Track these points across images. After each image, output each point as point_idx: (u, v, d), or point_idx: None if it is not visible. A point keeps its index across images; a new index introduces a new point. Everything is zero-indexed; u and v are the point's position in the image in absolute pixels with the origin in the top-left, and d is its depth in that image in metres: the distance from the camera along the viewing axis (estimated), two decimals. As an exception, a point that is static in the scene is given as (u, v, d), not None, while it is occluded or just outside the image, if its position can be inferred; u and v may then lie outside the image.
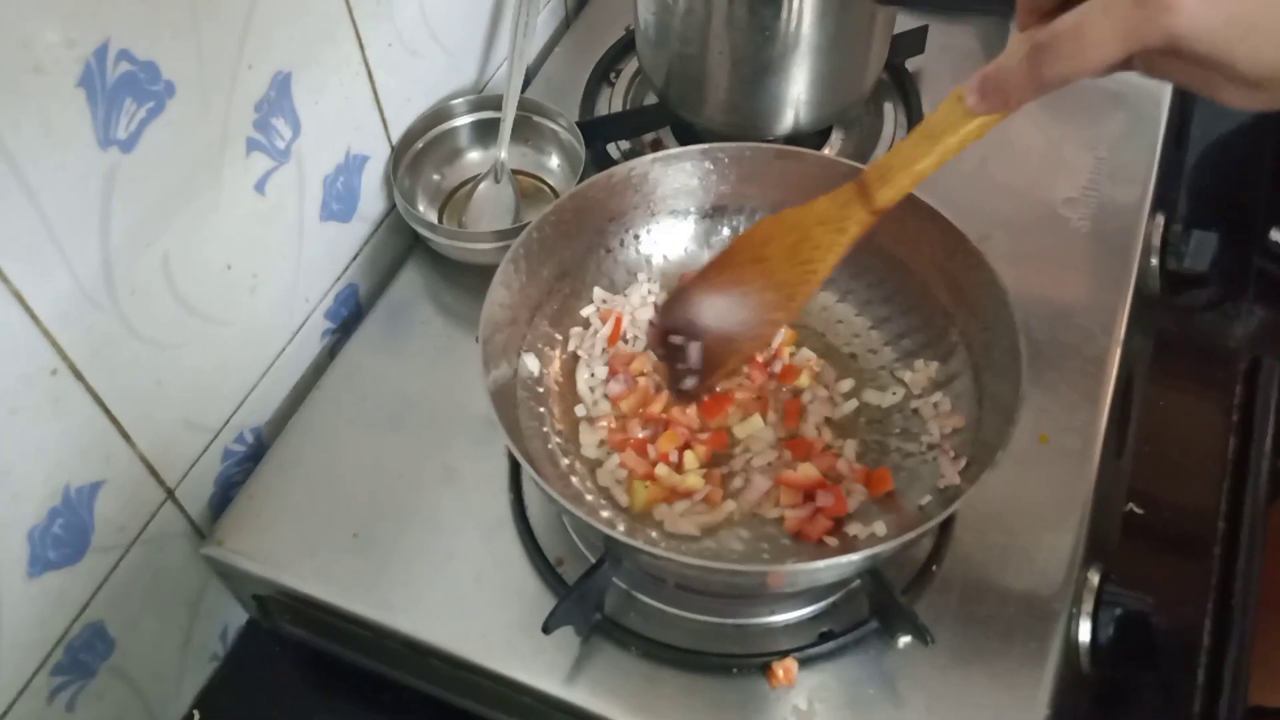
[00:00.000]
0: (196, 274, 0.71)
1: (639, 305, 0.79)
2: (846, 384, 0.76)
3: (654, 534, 0.69)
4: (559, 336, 0.76)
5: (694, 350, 0.70)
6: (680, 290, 0.72)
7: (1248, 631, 0.90)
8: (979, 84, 0.53)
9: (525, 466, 0.61)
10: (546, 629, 0.64)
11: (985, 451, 0.66)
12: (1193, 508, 0.99)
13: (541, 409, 0.72)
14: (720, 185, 0.78)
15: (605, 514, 0.68)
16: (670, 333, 0.71)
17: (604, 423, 0.74)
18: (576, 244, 0.77)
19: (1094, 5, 0.46)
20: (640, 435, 0.73)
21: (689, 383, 0.71)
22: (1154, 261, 0.91)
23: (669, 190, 0.78)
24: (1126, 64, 0.49)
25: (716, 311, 0.69)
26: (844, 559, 0.57)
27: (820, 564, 0.58)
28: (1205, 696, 0.87)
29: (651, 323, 0.76)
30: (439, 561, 0.73)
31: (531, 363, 0.73)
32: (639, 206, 0.78)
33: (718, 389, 0.74)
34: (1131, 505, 0.94)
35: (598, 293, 0.79)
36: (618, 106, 1.01)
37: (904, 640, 0.68)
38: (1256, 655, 0.89)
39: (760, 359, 0.76)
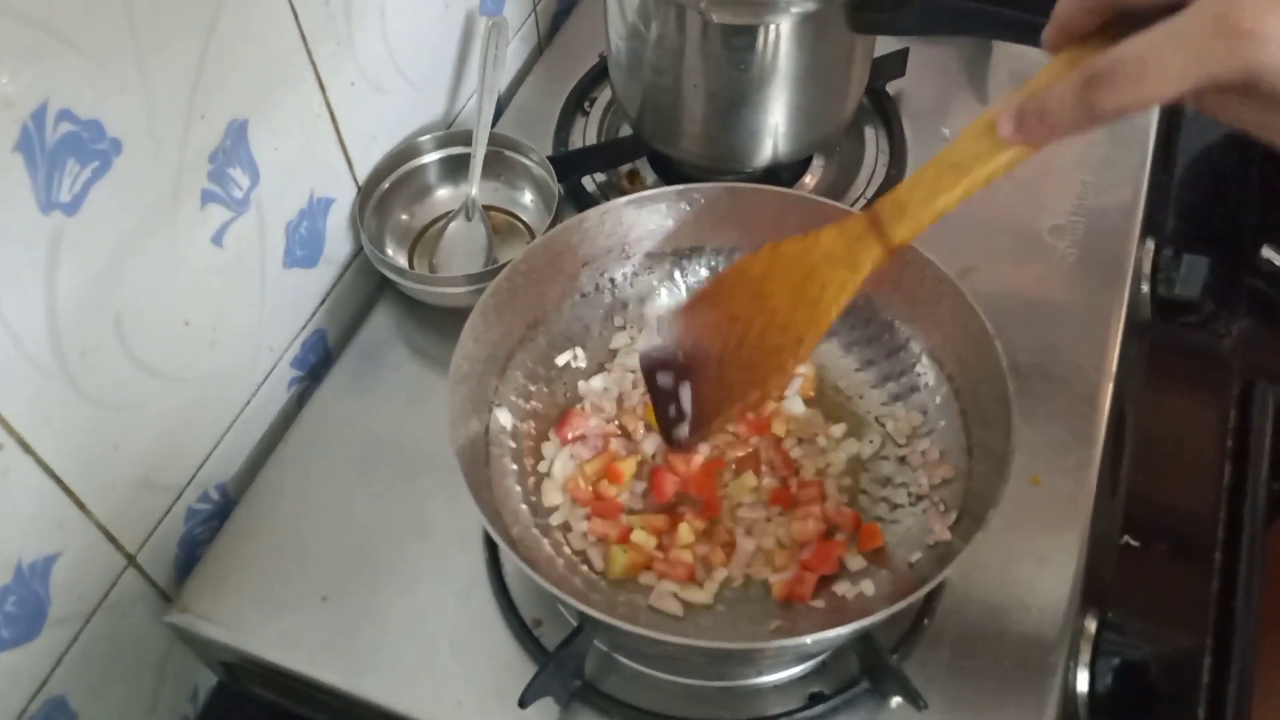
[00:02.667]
0: (152, 332, 0.68)
1: (628, 354, 0.77)
2: (838, 429, 0.73)
3: (634, 601, 0.66)
4: (533, 388, 0.73)
5: (684, 393, 0.64)
6: (669, 321, 0.66)
7: (1249, 663, 0.88)
8: (1016, 112, 0.48)
9: (494, 535, 0.58)
10: (523, 703, 0.62)
11: (976, 503, 0.64)
12: (1189, 537, 0.96)
13: (514, 465, 0.70)
14: (697, 225, 0.76)
15: (579, 580, 0.66)
16: (657, 368, 0.66)
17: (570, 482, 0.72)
18: (549, 291, 0.74)
19: (1163, 31, 0.42)
20: (615, 495, 0.70)
21: (681, 431, 0.65)
22: (1144, 288, 0.89)
23: (644, 232, 0.75)
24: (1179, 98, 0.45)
25: (709, 350, 0.63)
26: (831, 633, 0.55)
27: (808, 639, 0.55)
28: (1207, 733, 0.85)
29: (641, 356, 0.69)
30: (411, 624, 0.70)
31: (504, 416, 0.70)
32: (613, 250, 0.75)
33: (706, 452, 0.72)
34: (1127, 538, 0.92)
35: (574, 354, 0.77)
36: (592, 137, 0.99)
37: (896, 700, 0.66)
38: (1260, 685, 0.87)
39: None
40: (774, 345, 0.60)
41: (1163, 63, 0.42)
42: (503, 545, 0.58)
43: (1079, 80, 0.45)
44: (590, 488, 0.71)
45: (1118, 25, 0.45)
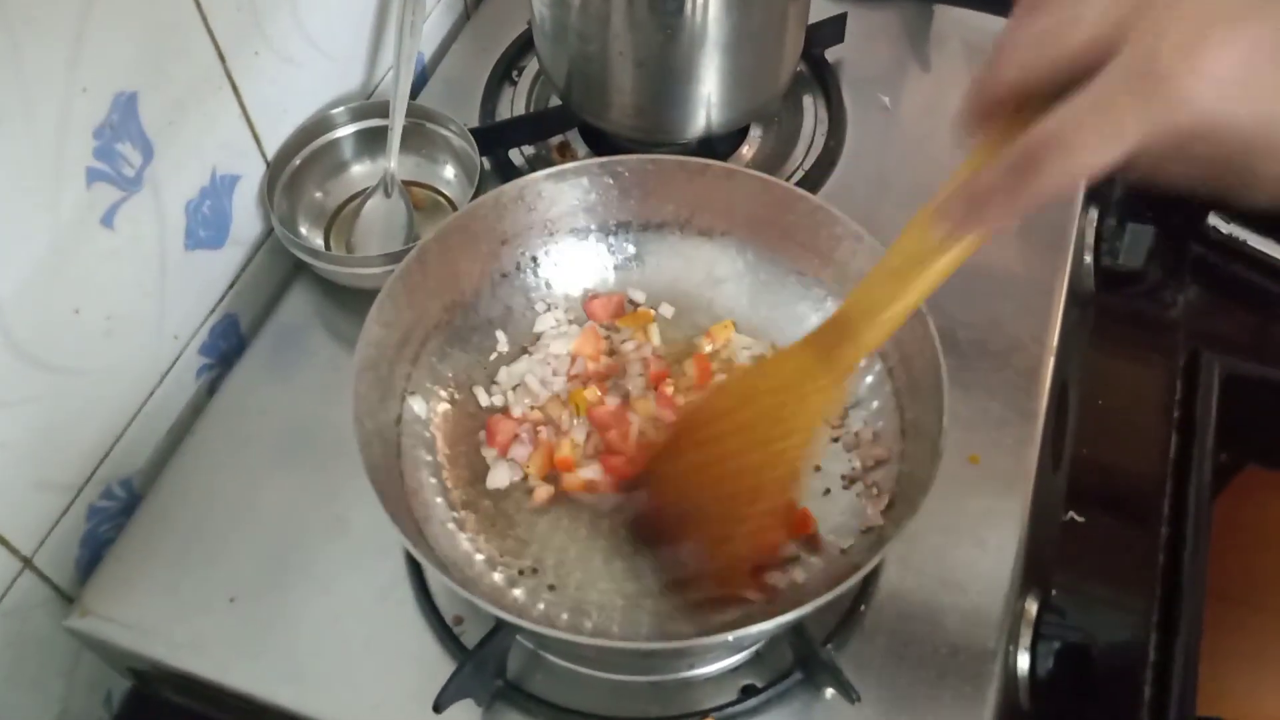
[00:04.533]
0: (37, 323, 0.63)
1: (554, 337, 0.73)
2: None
3: (559, 596, 0.62)
4: (450, 374, 0.70)
5: (687, 555, 0.61)
6: (634, 496, 0.63)
7: (1194, 638, 0.87)
8: (946, 209, 0.45)
9: (403, 537, 0.54)
10: (438, 708, 0.59)
11: (910, 486, 0.62)
12: (1135, 511, 0.95)
13: (429, 456, 0.66)
14: (623, 200, 0.72)
15: (499, 576, 0.62)
16: (650, 541, 0.62)
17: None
18: (467, 271, 0.70)
19: (1084, 100, 0.39)
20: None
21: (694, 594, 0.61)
22: (1088, 259, 0.87)
23: (566, 208, 0.72)
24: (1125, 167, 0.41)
25: (686, 518, 0.59)
26: (754, 629, 0.52)
27: (729, 636, 0.52)
28: (1153, 711, 0.83)
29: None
30: (325, 625, 0.67)
31: (418, 405, 0.67)
32: (534, 226, 0.72)
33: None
34: (1071, 513, 0.90)
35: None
36: (521, 108, 0.95)
37: (830, 691, 0.63)
38: (1206, 658, 0.86)
39: (670, 391, 0.70)
40: (754, 488, 0.57)
41: (1089, 134, 0.39)
42: (409, 545, 0.54)
43: (1006, 165, 0.42)
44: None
45: (1032, 105, 0.42)
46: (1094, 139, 0.39)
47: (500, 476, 0.67)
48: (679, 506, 0.60)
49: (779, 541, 0.61)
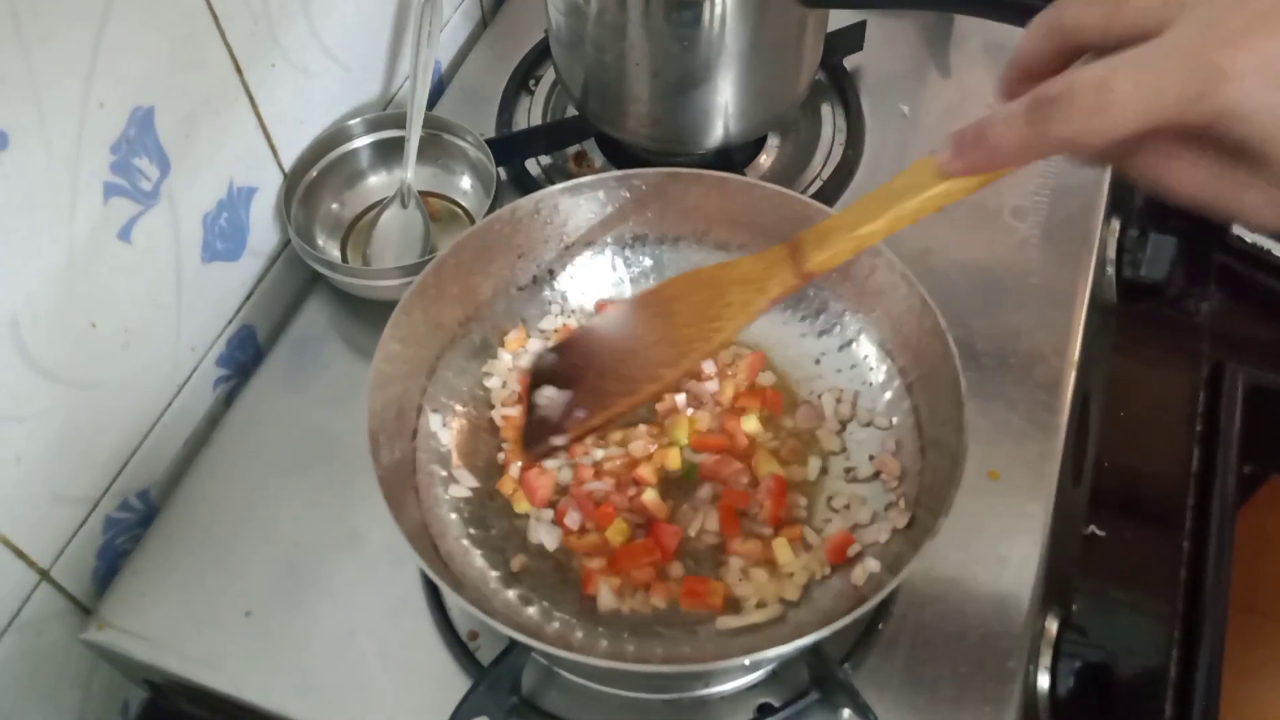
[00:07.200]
0: (54, 337, 0.63)
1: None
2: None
3: (573, 616, 0.62)
4: (465, 389, 0.69)
5: (558, 403, 0.60)
6: (562, 342, 0.63)
7: (1217, 653, 0.86)
8: (956, 139, 0.44)
9: (418, 557, 0.54)
10: (452, 725, 0.59)
11: (930, 503, 0.61)
12: (1157, 524, 0.94)
13: (444, 471, 0.66)
14: (640, 213, 0.72)
15: (514, 594, 0.62)
16: (542, 381, 0.61)
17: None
18: (482, 285, 0.70)
19: (1129, 57, 0.38)
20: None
21: (548, 444, 0.60)
22: (1109, 270, 0.86)
23: (582, 221, 0.71)
24: (1119, 151, 0.41)
25: (593, 363, 0.60)
26: (771, 652, 0.51)
27: (745, 659, 0.52)
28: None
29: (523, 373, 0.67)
30: (340, 640, 0.67)
31: (434, 421, 0.67)
32: (550, 240, 0.71)
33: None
34: (1093, 527, 0.89)
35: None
36: (538, 117, 0.94)
37: (847, 712, 0.63)
38: (1229, 668, 0.85)
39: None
40: (659, 358, 0.58)
41: (1123, 92, 0.38)
42: (424, 565, 0.54)
43: (1028, 103, 0.41)
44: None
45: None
46: (1130, 92, 0.38)
47: (547, 537, 0.65)
48: (588, 366, 0.61)
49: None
